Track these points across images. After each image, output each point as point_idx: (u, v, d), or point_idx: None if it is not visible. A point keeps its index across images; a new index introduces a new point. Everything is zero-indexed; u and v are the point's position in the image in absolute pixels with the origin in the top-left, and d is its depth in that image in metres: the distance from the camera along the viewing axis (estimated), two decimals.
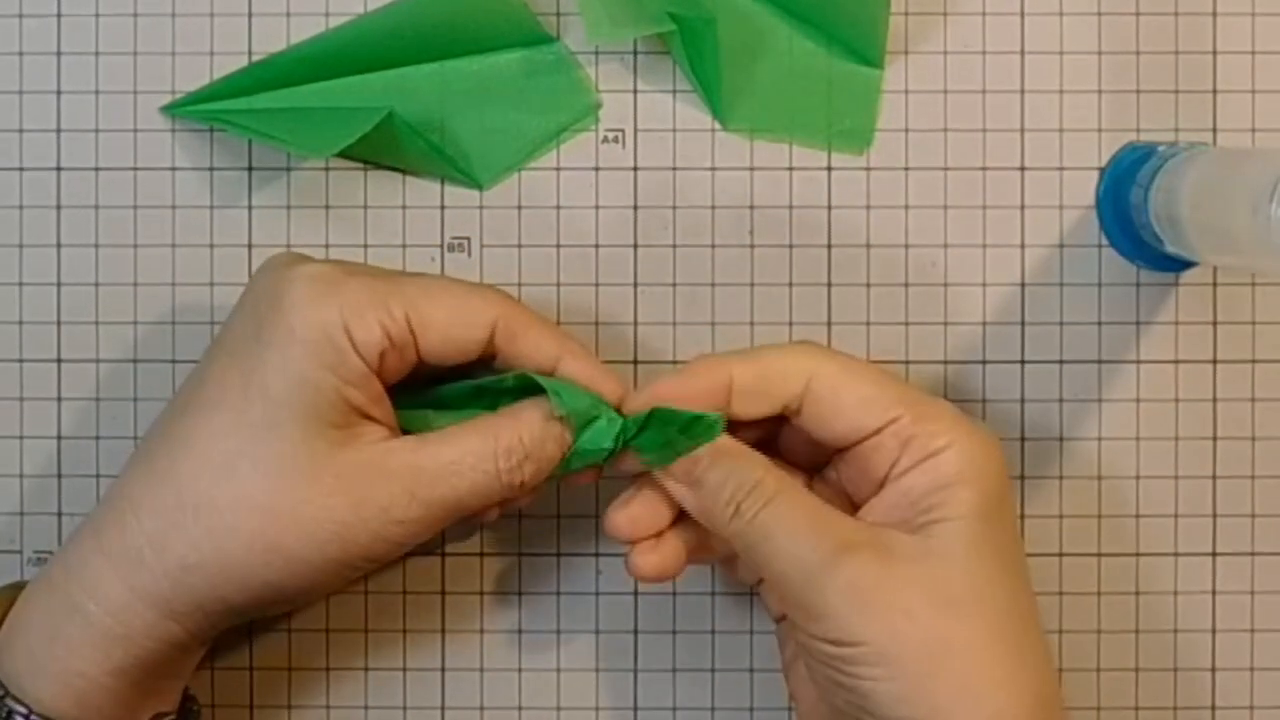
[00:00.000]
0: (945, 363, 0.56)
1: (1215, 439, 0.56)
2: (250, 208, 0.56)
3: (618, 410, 0.51)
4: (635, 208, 0.56)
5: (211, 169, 0.56)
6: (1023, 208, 0.56)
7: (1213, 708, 0.56)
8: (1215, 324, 0.56)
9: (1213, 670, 0.56)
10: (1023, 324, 0.56)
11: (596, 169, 0.56)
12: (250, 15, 0.56)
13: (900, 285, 0.56)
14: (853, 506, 0.51)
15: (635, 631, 0.56)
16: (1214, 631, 0.56)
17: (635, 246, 0.56)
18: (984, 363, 0.56)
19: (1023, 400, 0.56)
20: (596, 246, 0.56)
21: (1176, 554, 0.56)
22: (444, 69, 0.56)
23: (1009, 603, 0.49)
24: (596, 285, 0.56)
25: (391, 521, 0.49)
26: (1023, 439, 0.56)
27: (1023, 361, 0.56)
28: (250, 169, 0.56)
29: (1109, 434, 0.56)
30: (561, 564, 0.56)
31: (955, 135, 0.56)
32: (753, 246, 0.56)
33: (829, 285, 0.56)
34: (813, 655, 0.49)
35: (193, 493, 0.48)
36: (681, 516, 0.52)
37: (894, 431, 0.50)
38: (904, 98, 0.56)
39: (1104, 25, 0.56)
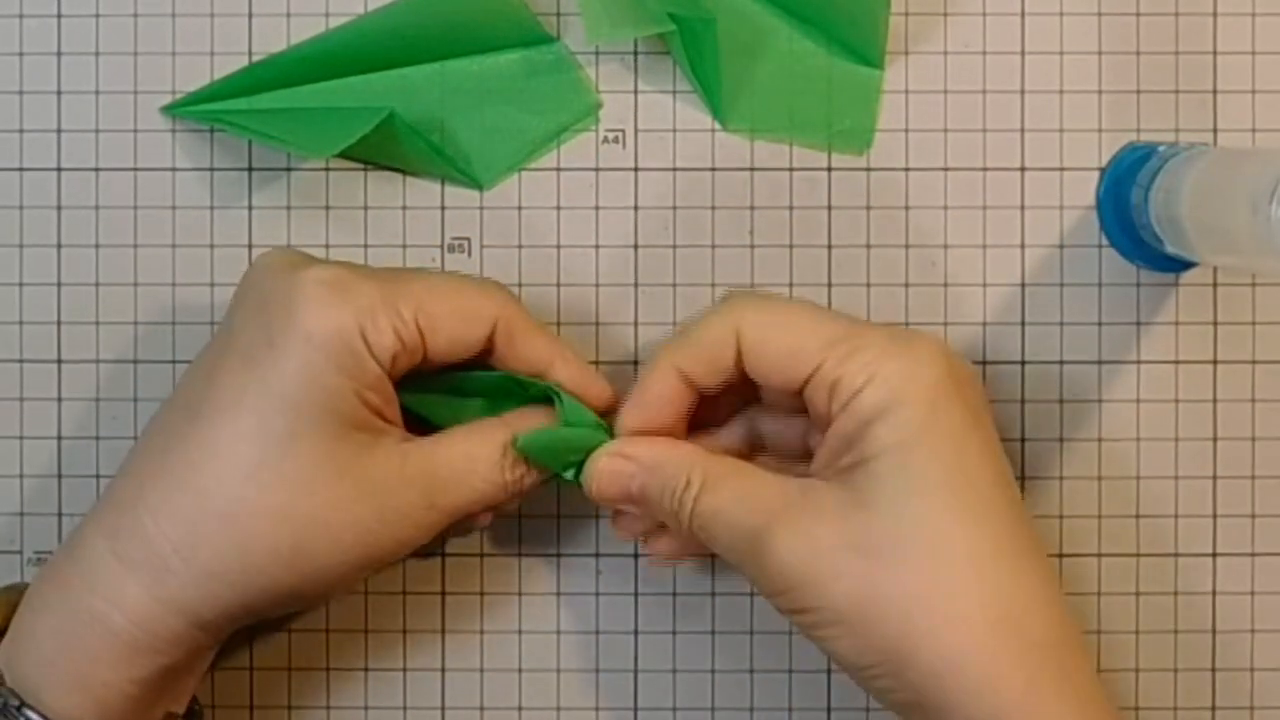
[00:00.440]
0: None
1: (1215, 439, 0.56)
2: (250, 208, 0.56)
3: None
4: (635, 208, 0.56)
5: (211, 169, 0.56)
6: (1023, 208, 0.56)
7: (1213, 708, 0.56)
8: (1215, 324, 0.56)
9: (1213, 670, 0.56)
10: (1023, 324, 0.56)
11: (597, 169, 0.56)
12: (250, 15, 0.56)
13: (900, 285, 0.56)
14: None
15: (635, 632, 0.56)
16: (1214, 632, 0.56)
17: (635, 247, 0.56)
18: (984, 363, 0.56)
19: (1023, 400, 0.56)
20: (596, 247, 0.56)
21: (1177, 554, 0.56)
22: (444, 69, 0.56)
23: (948, 531, 0.47)
24: (596, 285, 0.56)
25: (411, 526, 0.49)
26: (1023, 439, 0.56)
27: (1023, 362, 0.56)
28: (250, 169, 0.56)
29: (1109, 434, 0.56)
30: (561, 564, 0.56)
31: (955, 135, 0.56)
32: (753, 246, 0.56)
33: (829, 285, 0.56)
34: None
35: (217, 501, 0.48)
36: None
37: (819, 381, 0.49)
38: (904, 98, 0.56)
39: (1104, 25, 0.56)
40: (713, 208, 0.56)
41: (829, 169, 0.56)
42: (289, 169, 0.56)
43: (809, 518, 0.48)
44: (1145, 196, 0.52)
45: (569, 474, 0.52)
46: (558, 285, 0.56)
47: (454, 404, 0.52)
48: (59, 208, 0.56)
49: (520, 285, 0.56)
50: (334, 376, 0.48)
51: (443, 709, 0.56)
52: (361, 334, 0.48)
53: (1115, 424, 0.56)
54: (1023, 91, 0.56)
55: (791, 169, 0.56)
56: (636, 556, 0.56)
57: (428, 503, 0.49)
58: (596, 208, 0.56)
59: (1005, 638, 0.47)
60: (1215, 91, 0.56)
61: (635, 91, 0.56)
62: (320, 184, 0.56)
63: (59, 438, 0.56)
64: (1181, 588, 0.56)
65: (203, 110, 0.55)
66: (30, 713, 0.47)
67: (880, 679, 0.48)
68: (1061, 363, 0.56)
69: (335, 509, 0.48)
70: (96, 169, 0.56)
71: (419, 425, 0.52)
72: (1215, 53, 0.56)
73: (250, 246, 0.56)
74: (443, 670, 0.56)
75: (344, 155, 0.55)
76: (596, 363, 0.55)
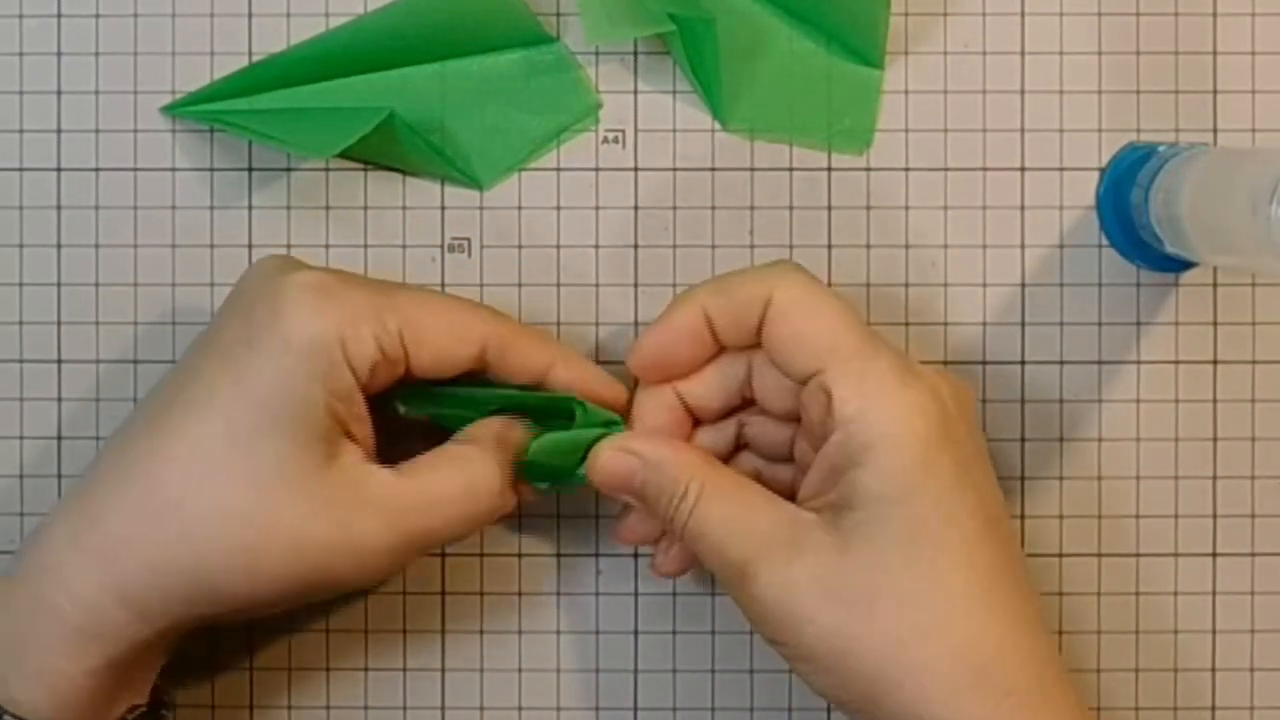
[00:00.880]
0: (945, 363, 0.56)
1: (1215, 439, 0.56)
2: (250, 208, 0.56)
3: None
4: (635, 208, 0.56)
5: (211, 169, 0.56)
6: (1023, 208, 0.56)
7: (1213, 708, 0.56)
8: (1215, 324, 0.56)
9: (1213, 670, 0.56)
10: (1023, 324, 0.56)
11: (597, 169, 0.56)
12: (250, 15, 0.56)
13: (900, 285, 0.56)
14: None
15: (635, 632, 0.56)
16: (1214, 632, 0.56)
17: (635, 247, 0.56)
18: (984, 363, 0.56)
19: (1023, 400, 0.56)
20: (596, 247, 0.56)
21: (1176, 554, 0.56)
22: (444, 69, 0.56)
23: (925, 584, 0.47)
24: (597, 285, 0.56)
25: (368, 551, 0.49)
26: (1023, 439, 0.56)
27: (1023, 362, 0.56)
28: (250, 169, 0.56)
29: (1109, 434, 0.56)
30: (561, 564, 0.56)
31: (955, 135, 0.56)
32: (753, 247, 0.56)
33: (829, 285, 0.56)
34: None
35: (171, 491, 0.48)
36: None
37: (816, 385, 0.49)
38: (904, 98, 0.56)
39: (1104, 25, 0.56)
40: (713, 208, 0.56)
41: (829, 169, 0.56)
42: (289, 169, 0.56)
43: (791, 556, 0.48)
44: (1145, 196, 0.52)
45: (581, 471, 0.52)
46: (558, 285, 0.56)
47: (468, 418, 0.52)
48: (59, 208, 0.56)
49: (520, 285, 0.56)
50: (306, 383, 0.48)
51: (443, 709, 0.56)
52: (341, 342, 0.48)
53: (1115, 424, 0.56)
54: (1023, 91, 0.56)
55: (791, 169, 0.56)
56: (637, 556, 0.56)
57: (387, 526, 0.49)
58: (596, 208, 0.56)
59: (976, 689, 0.47)
60: (1215, 91, 0.56)
61: (635, 91, 0.56)
62: (320, 184, 0.56)
63: (59, 438, 0.56)
64: (1181, 588, 0.56)
65: (203, 110, 0.55)
66: None
67: (857, 714, 0.49)
68: (1061, 363, 0.56)
69: (289, 516, 0.48)
70: (96, 169, 0.56)
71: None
72: (1215, 53, 0.56)
73: (250, 246, 0.56)
74: (443, 670, 0.56)
75: (344, 155, 0.55)
76: (596, 363, 0.55)
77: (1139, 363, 0.56)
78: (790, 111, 0.56)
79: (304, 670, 0.56)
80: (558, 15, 0.56)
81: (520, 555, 0.56)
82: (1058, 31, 0.56)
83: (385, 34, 0.55)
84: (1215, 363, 0.56)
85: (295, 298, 0.49)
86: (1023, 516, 0.56)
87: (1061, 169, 0.56)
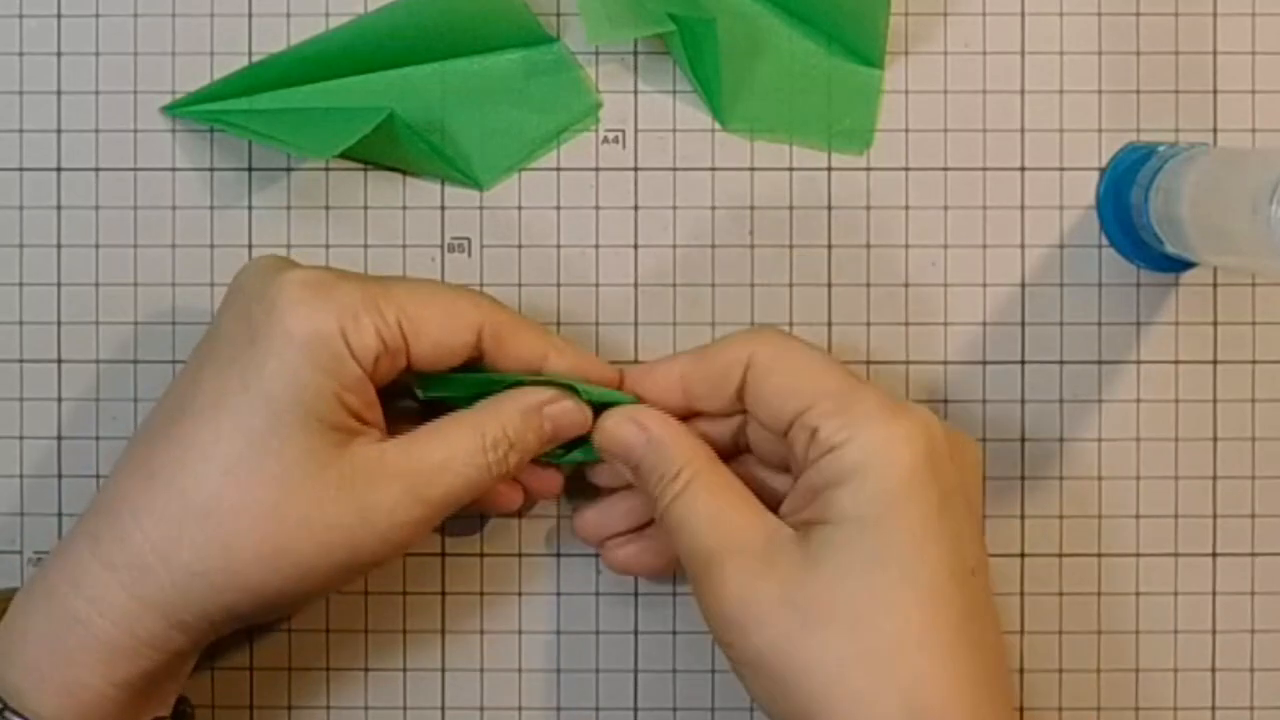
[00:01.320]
0: (945, 363, 0.56)
1: (1215, 439, 0.56)
2: (250, 208, 0.56)
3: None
4: (635, 208, 0.56)
5: (211, 169, 0.56)
6: (1023, 208, 0.56)
7: (1213, 708, 0.56)
8: (1215, 324, 0.56)
9: (1213, 670, 0.56)
10: (1023, 324, 0.56)
11: (597, 169, 0.56)
12: (250, 15, 0.56)
13: (900, 285, 0.56)
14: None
15: (635, 632, 0.56)
16: (1214, 632, 0.56)
17: (635, 247, 0.56)
18: (984, 363, 0.56)
19: (1023, 400, 0.56)
20: (596, 247, 0.56)
21: (1176, 554, 0.56)
22: (444, 69, 0.56)
23: (881, 611, 0.47)
24: (597, 285, 0.56)
25: (396, 524, 0.49)
26: (1023, 439, 0.56)
27: (1023, 362, 0.56)
28: (250, 169, 0.56)
29: (1109, 434, 0.56)
30: (561, 564, 0.56)
31: (955, 135, 0.56)
32: (753, 246, 0.56)
33: (829, 285, 0.56)
34: None
35: (198, 499, 0.48)
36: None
37: (803, 423, 0.49)
38: (904, 98, 0.56)
39: (1104, 25, 0.56)
40: (713, 208, 0.56)
41: (829, 169, 0.56)
42: (289, 169, 0.56)
43: (761, 565, 0.48)
44: (1145, 196, 0.52)
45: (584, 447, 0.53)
46: (558, 285, 0.56)
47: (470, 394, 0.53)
48: (59, 208, 0.56)
49: (520, 285, 0.56)
50: (314, 375, 0.48)
51: (443, 709, 0.56)
52: (343, 334, 0.49)
53: (1115, 424, 0.56)
54: (1023, 91, 0.56)
55: (791, 169, 0.56)
56: None
57: (411, 497, 0.49)
58: (596, 208, 0.56)
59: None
60: (1215, 91, 0.56)
61: (635, 91, 0.56)
62: (320, 184, 0.56)
63: (59, 438, 0.56)
64: (1181, 588, 0.56)
65: (203, 110, 0.55)
66: (12, 716, 0.47)
67: None
68: (1061, 363, 0.56)
69: (315, 507, 0.48)
70: (96, 169, 0.56)
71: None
72: (1215, 53, 0.56)
73: (250, 246, 0.56)
74: (443, 670, 0.56)
75: (344, 155, 0.55)
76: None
77: (1139, 363, 0.56)
78: (790, 111, 0.56)
79: (304, 670, 0.56)
80: (558, 15, 0.56)
81: (520, 555, 0.56)
82: (1058, 31, 0.56)
83: (385, 34, 0.55)
84: (1215, 363, 0.56)
85: (292, 295, 0.49)
86: (1023, 516, 0.56)
87: (1061, 169, 0.56)
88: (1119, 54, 0.56)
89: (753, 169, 0.56)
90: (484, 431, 0.50)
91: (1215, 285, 0.56)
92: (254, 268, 0.51)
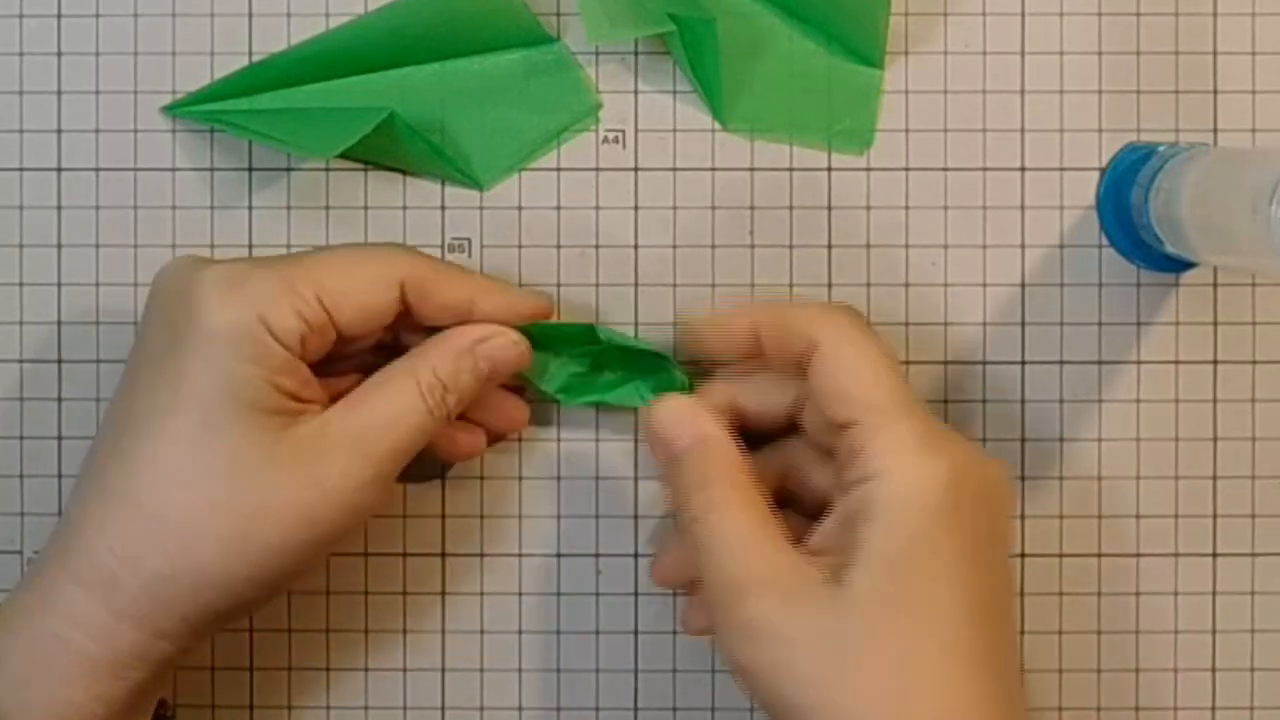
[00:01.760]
0: (945, 363, 0.56)
1: (1215, 439, 0.56)
2: (250, 208, 0.56)
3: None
4: (635, 208, 0.56)
5: (211, 169, 0.56)
6: (1023, 208, 0.56)
7: (1213, 708, 0.56)
8: (1215, 324, 0.56)
9: (1213, 670, 0.56)
10: (1023, 324, 0.56)
11: (597, 169, 0.56)
12: (250, 15, 0.56)
13: (900, 285, 0.56)
14: None
15: (635, 632, 0.56)
16: (1214, 632, 0.56)
17: (635, 247, 0.56)
18: (984, 363, 0.56)
19: (1023, 400, 0.56)
20: (596, 247, 0.56)
21: (1177, 554, 0.56)
22: (444, 69, 0.56)
23: (895, 659, 0.47)
24: (597, 285, 0.56)
25: (349, 489, 0.49)
26: (1023, 439, 0.56)
27: (1023, 362, 0.56)
28: (250, 169, 0.56)
29: (1109, 434, 0.56)
30: (561, 564, 0.56)
31: (955, 135, 0.56)
32: (753, 246, 0.56)
33: (829, 285, 0.56)
34: None
35: (153, 508, 0.48)
36: None
37: (848, 438, 0.49)
38: (904, 98, 0.56)
39: (1104, 25, 0.56)
40: (713, 208, 0.56)
41: (829, 169, 0.56)
42: (289, 169, 0.56)
43: (789, 600, 0.48)
44: (1145, 196, 0.52)
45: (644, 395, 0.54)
46: (558, 285, 0.56)
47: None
48: (59, 208, 0.56)
49: (520, 285, 0.56)
50: (241, 367, 0.48)
51: (443, 709, 0.56)
52: (263, 321, 0.49)
53: (1115, 424, 0.56)
54: (1023, 91, 0.56)
55: (791, 169, 0.56)
56: (637, 556, 0.56)
57: (360, 459, 0.49)
58: (596, 208, 0.56)
59: None
60: (1215, 91, 0.56)
61: (635, 91, 0.56)
62: (320, 184, 0.56)
63: (59, 438, 0.56)
64: (1181, 588, 0.56)
65: (203, 110, 0.56)
66: None
67: None
68: (1061, 363, 0.56)
69: (269, 491, 0.48)
70: (96, 169, 0.56)
71: None
72: (1215, 53, 0.56)
73: (250, 246, 0.56)
74: (443, 670, 0.56)
75: (344, 155, 0.55)
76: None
77: (1139, 363, 0.56)
78: (790, 111, 0.56)
79: (304, 670, 0.56)
80: (558, 15, 0.56)
81: (520, 555, 0.56)
82: (1058, 31, 0.56)
83: (385, 34, 0.55)
84: (1215, 363, 0.56)
85: (208, 291, 0.49)
86: (1023, 516, 0.56)
87: (1061, 169, 0.56)
88: (1119, 54, 0.56)
89: (753, 169, 0.56)
90: (418, 379, 0.51)
91: (1215, 285, 0.56)
92: (170, 270, 0.51)
